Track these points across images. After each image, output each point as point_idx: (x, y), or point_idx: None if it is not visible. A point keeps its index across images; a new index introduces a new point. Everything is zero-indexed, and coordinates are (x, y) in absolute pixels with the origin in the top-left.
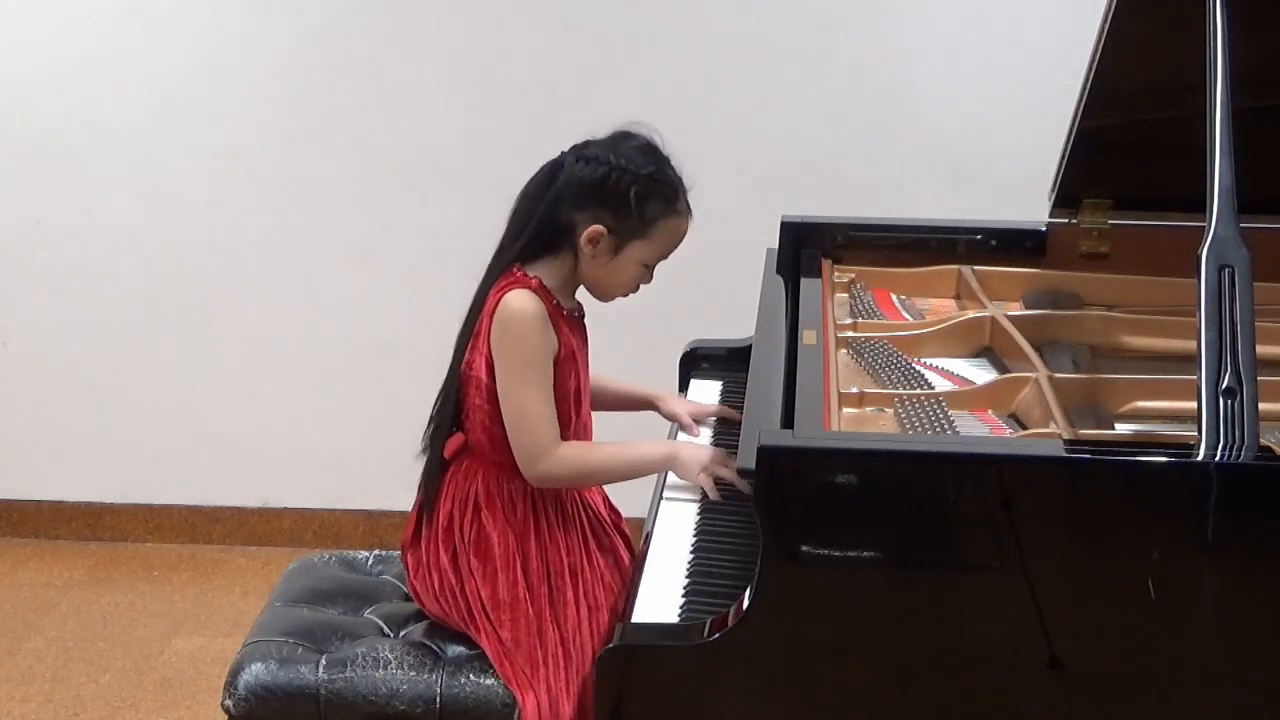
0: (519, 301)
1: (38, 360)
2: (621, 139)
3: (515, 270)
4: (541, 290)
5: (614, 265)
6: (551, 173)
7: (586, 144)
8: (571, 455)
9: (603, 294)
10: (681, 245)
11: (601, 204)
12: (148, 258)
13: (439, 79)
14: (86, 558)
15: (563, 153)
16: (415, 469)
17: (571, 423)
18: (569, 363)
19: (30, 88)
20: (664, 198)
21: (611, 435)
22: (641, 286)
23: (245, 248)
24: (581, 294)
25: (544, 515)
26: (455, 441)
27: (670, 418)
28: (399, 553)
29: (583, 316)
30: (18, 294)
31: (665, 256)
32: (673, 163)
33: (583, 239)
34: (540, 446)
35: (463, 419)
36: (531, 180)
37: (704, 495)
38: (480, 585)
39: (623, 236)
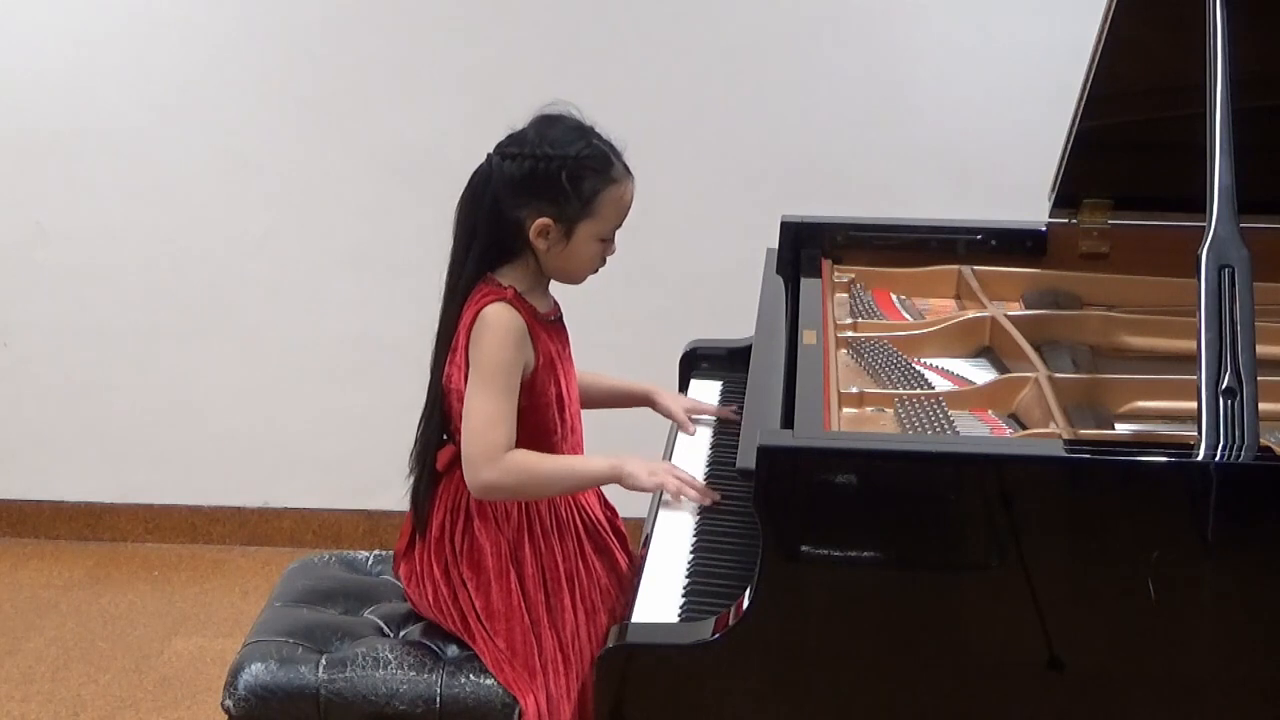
0: (497, 314)
1: (38, 360)
2: (541, 125)
3: (488, 279)
4: (517, 300)
5: (570, 250)
6: (483, 179)
7: (509, 140)
8: (516, 465)
9: (570, 279)
10: (681, 244)
11: (538, 196)
12: (148, 258)
13: (440, 79)
14: (86, 558)
15: (489, 155)
16: None
17: (557, 428)
18: (548, 370)
19: (31, 89)
20: (596, 171)
21: (606, 432)
22: (609, 259)
23: (245, 248)
24: (558, 289)
25: (538, 522)
26: (447, 453)
27: (665, 414)
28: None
29: (560, 319)
30: (18, 294)
31: (619, 225)
32: (599, 132)
33: (532, 234)
34: (487, 453)
35: (451, 430)
36: (465, 190)
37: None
38: (474, 596)
39: (569, 221)
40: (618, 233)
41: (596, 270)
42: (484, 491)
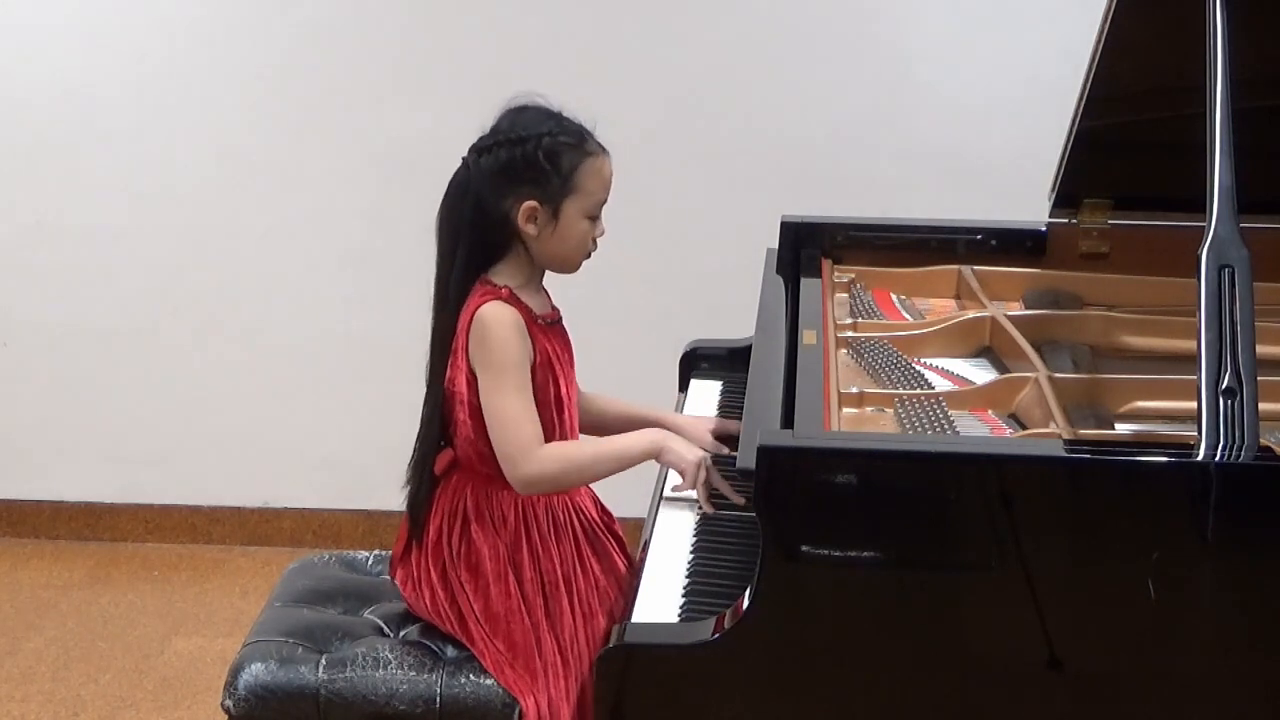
0: (494, 311)
1: (38, 360)
2: (510, 115)
3: (482, 281)
4: (513, 299)
5: (560, 232)
6: (461, 182)
7: (480, 139)
8: (556, 454)
9: (566, 265)
10: (682, 244)
11: (520, 181)
12: (148, 258)
13: (440, 78)
14: (86, 558)
15: (463, 158)
16: None
17: (555, 430)
18: (546, 369)
19: (30, 88)
20: (572, 146)
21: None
22: (599, 241)
23: (245, 247)
24: (555, 291)
25: (535, 526)
26: (445, 457)
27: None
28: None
29: (558, 322)
30: (18, 294)
31: (603, 201)
32: (567, 114)
33: (520, 221)
34: (522, 448)
35: (451, 435)
36: (445, 198)
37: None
38: (472, 599)
39: (554, 200)
40: (611, 225)
41: (589, 254)
42: (529, 486)
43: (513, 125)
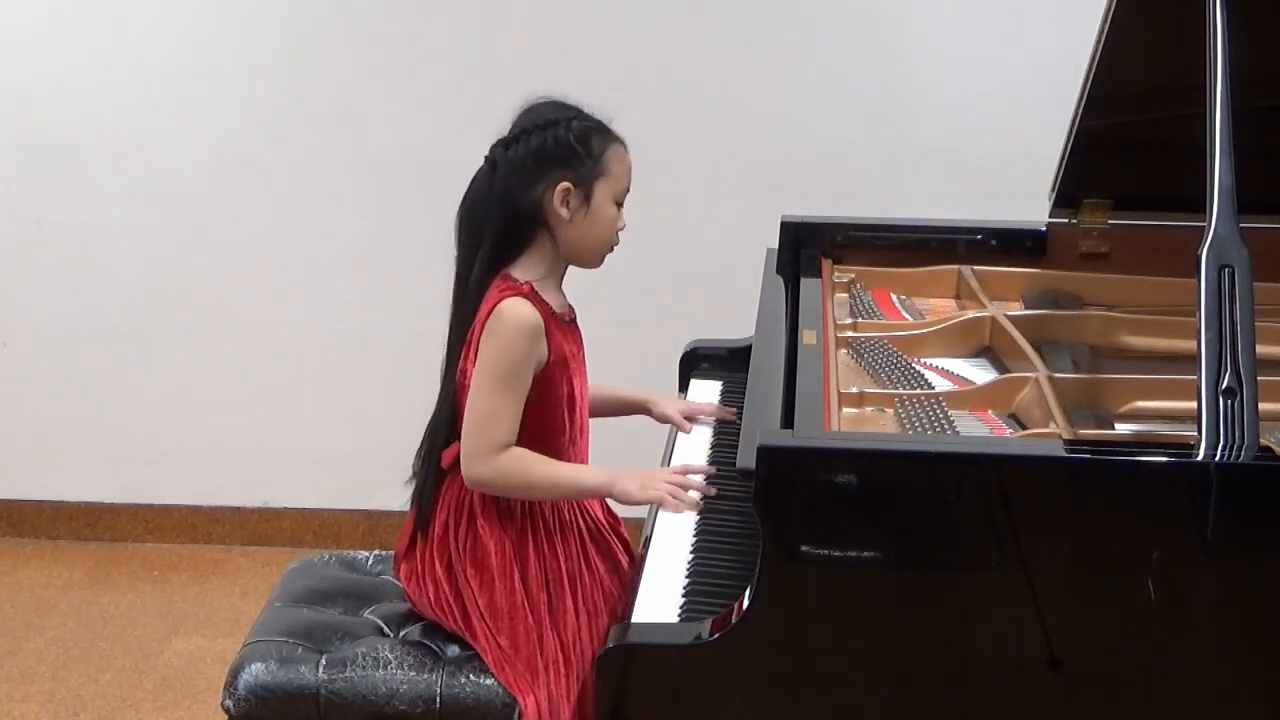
0: (514, 308)
1: (38, 360)
2: (533, 108)
3: (504, 275)
4: (534, 296)
5: (592, 216)
6: (488, 176)
7: (503, 136)
8: (512, 464)
9: (591, 254)
10: (682, 244)
11: (553, 164)
12: (148, 258)
13: (440, 78)
14: (86, 558)
15: (487, 156)
16: None
17: (566, 428)
18: (559, 368)
19: (30, 89)
20: (599, 131)
21: (607, 437)
22: (622, 236)
23: (245, 248)
24: (574, 286)
25: (541, 522)
26: (452, 451)
27: (662, 420)
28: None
29: (575, 320)
30: (18, 294)
31: (627, 189)
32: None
33: (555, 203)
34: (483, 447)
35: (460, 429)
36: (466, 196)
37: (704, 496)
38: (477, 593)
39: (587, 182)
40: (626, 221)
41: (612, 247)
42: (474, 484)
43: (538, 115)
